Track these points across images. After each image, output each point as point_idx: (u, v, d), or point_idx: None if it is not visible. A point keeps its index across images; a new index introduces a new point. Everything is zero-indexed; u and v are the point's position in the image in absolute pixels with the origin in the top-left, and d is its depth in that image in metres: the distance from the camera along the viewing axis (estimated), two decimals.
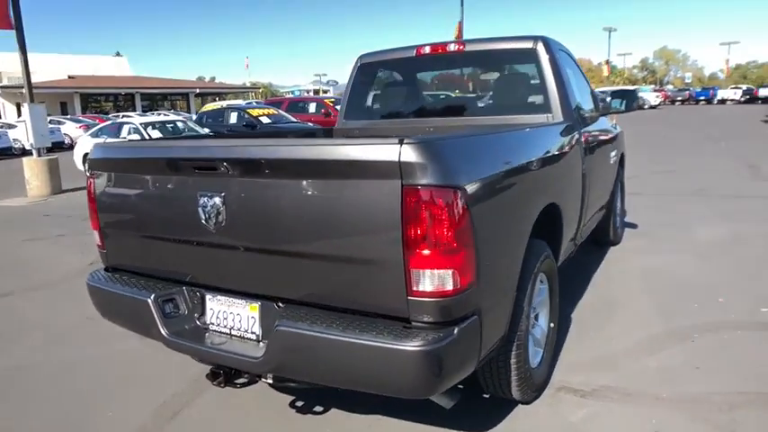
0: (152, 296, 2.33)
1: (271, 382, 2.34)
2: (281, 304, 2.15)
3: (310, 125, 14.45)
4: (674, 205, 7.28)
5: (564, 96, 3.51)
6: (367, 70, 4.27)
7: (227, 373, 2.33)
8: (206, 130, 12.64)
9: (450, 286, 1.79)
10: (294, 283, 2.06)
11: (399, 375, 1.83)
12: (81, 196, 10.88)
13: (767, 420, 2.58)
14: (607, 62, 46.32)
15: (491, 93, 3.99)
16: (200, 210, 2.13)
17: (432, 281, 1.78)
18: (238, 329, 2.27)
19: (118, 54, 61.36)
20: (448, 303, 1.82)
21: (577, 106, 3.65)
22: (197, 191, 2.14)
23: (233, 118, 14.02)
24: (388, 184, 1.76)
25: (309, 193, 1.92)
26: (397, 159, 1.72)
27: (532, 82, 3.65)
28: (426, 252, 1.76)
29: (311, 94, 45.71)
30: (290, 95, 41.83)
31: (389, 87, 4.34)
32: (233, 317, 2.28)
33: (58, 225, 7.99)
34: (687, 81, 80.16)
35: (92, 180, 2.57)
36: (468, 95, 4.37)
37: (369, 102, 4.34)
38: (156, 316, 2.31)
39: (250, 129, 13.51)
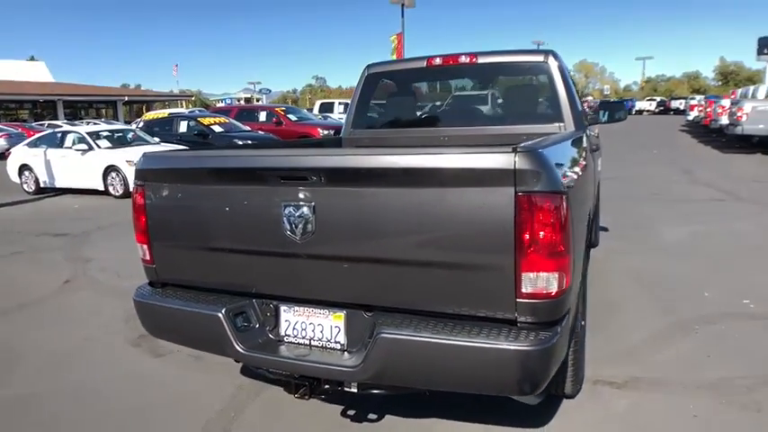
0: (223, 310, 2.27)
1: (355, 390, 2.34)
2: (368, 313, 2.17)
3: (261, 133, 14.25)
4: (633, 209, 7.79)
5: (574, 107, 3.73)
6: (375, 80, 4.32)
7: (310, 384, 2.31)
8: (157, 140, 12.14)
9: (554, 288, 1.89)
10: (389, 291, 2.09)
11: (511, 374, 1.90)
12: (24, 210, 10.21)
13: None
14: None
15: (502, 103, 4.16)
16: (284, 220, 2.12)
17: (540, 283, 1.88)
18: (319, 340, 2.26)
19: (32, 58, 57.53)
20: (553, 304, 1.92)
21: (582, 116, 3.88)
22: (281, 201, 2.12)
23: (182, 127, 13.55)
24: (501, 191, 1.83)
25: (412, 200, 1.96)
26: (511, 167, 1.81)
27: (544, 93, 3.85)
28: (536, 256, 1.85)
29: (242, 102, 44.77)
30: (222, 104, 40.80)
31: (398, 97, 4.42)
32: (313, 327, 2.27)
33: (9, 242, 7.43)
34: (606, 93, 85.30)
35: (141, 191, 2.46)
36: (480, 106, 4.52)
37: (377, 111, 4.40)
38: (228, 330, 2.26)
39: (202, 138, 13.14)
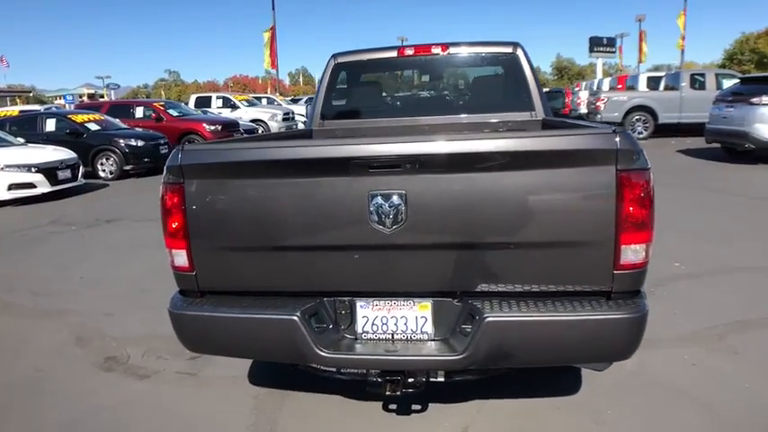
0: (298, 312, 2.11)
1: (442, 379, 2.30)
2: (456, 300, 2.16)
3: (150, 131, 13.08)
4: None
5: (542, 96, 3.98)
6: (343, 70, 4.22)
7: (401, 379, 2.22)
8: (21, 140, 10.57)
9: (642, 258, 2.04)
10: (481, 275, 2.09)
11: (617, 341, 2.03)
12: None
13: (751, 339, 3.36)
14: None
15: (473, 92, 4.28)
16: (370, 210, 2.02)
17: (634, 255, 2.01)
18: (403, 332, 2.20)
19: None
20: (641, 273, 2.06)
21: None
22: (368, 191, 2.02)
23: (50, 125, 11.91)
24: (604, 170, 1.93)
25: (510, 183, 1.98)
26: (615, 147, 1.91)
27: (514, 82, 4.04)
28: (633, 229, 1.98)
29: (85, 99, 40.46)
30: (62, 101, 36.44)
31: (368, 87, 4.35)
32: (396, 320, 2.20)
33: None
34: None
35: (177, 190, 2.17)
36: (451, 95, 4.60)
37: (347, 101, 4.30)
38: (306, 334, 2.10)
39: (74, 137, 11.71)
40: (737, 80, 15.47)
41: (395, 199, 2.01)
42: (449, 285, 2.14)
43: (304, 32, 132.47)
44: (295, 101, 31.31)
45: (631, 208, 1.95)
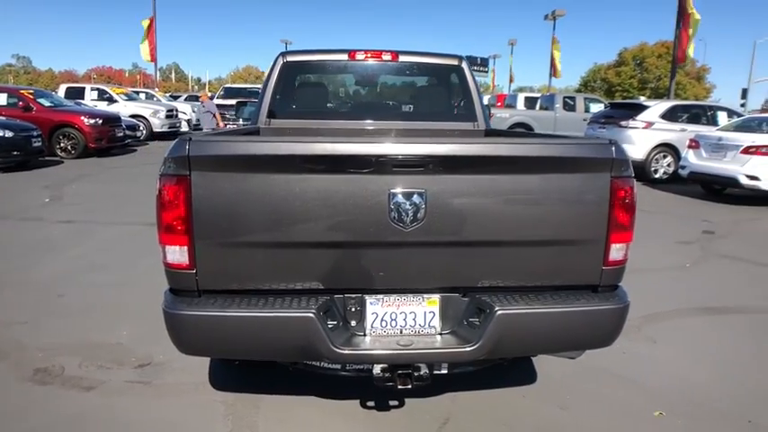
0: (314, 310, 2.10)
1: (445, 372, 2.39)
2: (462, 295, 2.28)
3: (18, 121, 11.58)
4: None
5: (483, 107, 4.27)
6: (292, 69, 4.16)
7: (410, 373, 2.26)
8: None
9: (623, 256, 2.31)
10: (488, 272, 2.23)
11: (606, 329, 2.28)
12: None
13: (663, 329, 3.89)
14: None
15: (420, 100, 4.44)
16: (391, 208, 2.07)
17: (619, 252, 2.28)
18: (412, 327, 2.26)
19: None
20: (622, 270, 2.34)
21: None
22: (388, 189, 2.07)
23: None
24: (600, 177, 2.18)
25: (521, 185, 2.15)
26: (611, 156, 2.16)
27: (459, 93, 4.29)
28: (620, 230, 2.25)
29: None
30: None
31: (317, 87, 4.32)
32: (404, 316, 2.26)
33: None
34: None
35: (182, 182, 2.05)
36: (397, 101, 4.70)
37: (294, 101, 4.24)
38: (323, 331, 2.09)
39: None
40: (602, 104, 17.49)
41: (415, 198, 2.08)
42: (457, 281, 2.26)
43: (177, 27, 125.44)
44: (175, 97, 29.60)
45: (620, 211, 2.22)
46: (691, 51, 17.80)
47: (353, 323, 2.26)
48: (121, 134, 14.42)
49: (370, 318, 2.25)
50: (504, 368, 3.16)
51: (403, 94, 4.79)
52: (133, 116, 17.63)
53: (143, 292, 4.36)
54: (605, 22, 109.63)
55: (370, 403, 2.86)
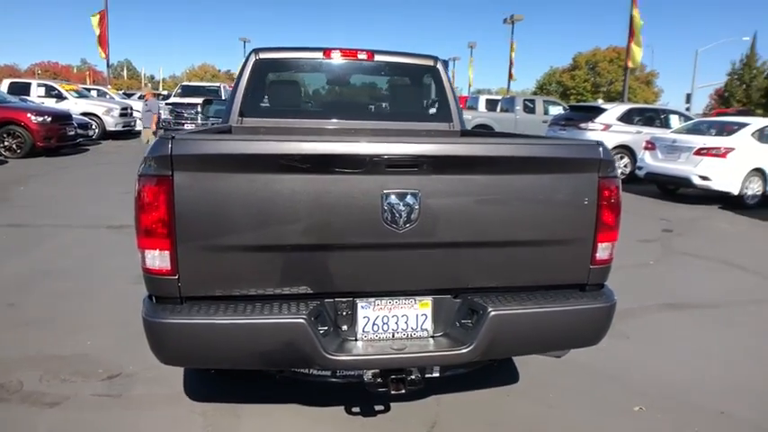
0: (305, 315, 2.02)
1: (437, 375, 2.34)
2: (454, 296, 2.25)
3: None
4: None
5: (458, 108, 4.27)
6: (265, 67, 4.05)
7: (404, 377, 2.21)
8: None
9: (609, 255, 2.33)
10: (479, 272, 2.20)
11: (595, 327, 2.29)
12: None
13: (636, 325, 3.97)
14: None
15: (395, 100, 4.39)
16: (384, 209, 2.02)
17: (605, 252, 2.29)
18: (404, 330, 2.21)
19: None
20: (608, 269, 2.36)
21: None
22: (382, 190, 2.02)
23: None
24: (588, 177, 2.19)
25: (512, 185, 2.14)
26: (599, 157, 2.17)
27: (434, 94, 4.27)
28: (607, 229, 2.27)
29: None
30: None
31: (291, 86, 4.21)
32: (396, 319, 2.21)
33: None
34: None
35: (165, 183, 1.92)
36: (373, 101, 4.62)
37: (267, 99, 4.13)
38: (315, 337, 2.02)
39: None
40: (560, 107, 17.93)
41: (409, 198, 2.03)
42: (448, 282, 2.22)
43: (129, 23, 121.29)
44: (128, 95, 28.60)
45: (607, 210, 2.23)
46: (638, 57, 18.53)
47: (345, 328, 2.19)
48: (73, 133, 13.79)
49: (361, 322, 2.19)
50: (487, 368, 3.15)
51: (378, 93, 4.74)
52: (85, 114, 16.89)
53: (107, 300, 4.17)
54: (561, 27, 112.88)
55: (356, 409, 2.79)
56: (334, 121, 4.13)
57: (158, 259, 2.01)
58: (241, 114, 3.97)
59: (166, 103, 18.86)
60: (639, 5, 18.09)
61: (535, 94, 51.16)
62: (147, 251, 2.02)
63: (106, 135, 17.39)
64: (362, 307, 2.19)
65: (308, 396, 2.86)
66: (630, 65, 18.69)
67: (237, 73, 4.14)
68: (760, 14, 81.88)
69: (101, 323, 3.71)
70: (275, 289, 2.10)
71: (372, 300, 2.19)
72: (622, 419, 2.81)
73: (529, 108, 18.06)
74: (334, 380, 2.37)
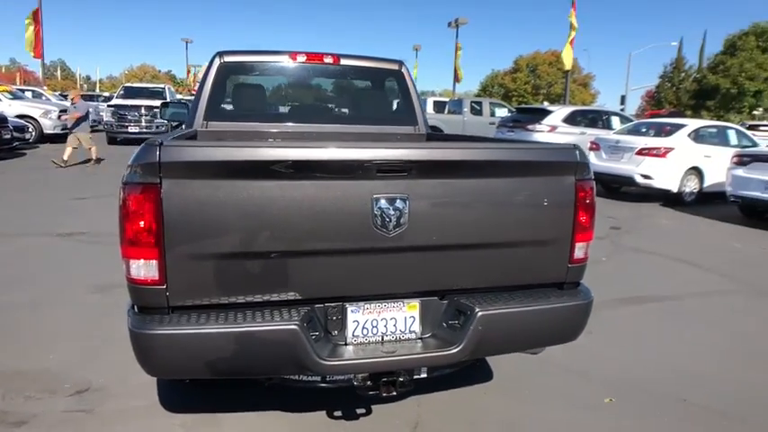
0: (297, 321, 2.02)
1: (425, 375, 2.37)
2: (441, 298, 2.30)
3: None
4: None
5: (423, 111, 4.35)
6: (229, 70, 3.98)
7: (395, 380, 2.23)
8: None
9: (585, 254, 2.44)
10: (464, 274, 2.26)
11: (575, 323, 2.39)
12: None
13: (597, 320, 4.14)
14: (189, 71, 47.74)
15: (361, 104, 4.40)
16: (374, 214, 2.05)
17: (582, 251, 2.40)
18: (392, 333, 2.24)
19: None
20: (584, 267, 2.47)
21: None
22: (372, 194, 2.05)
23: None
24: (566, 179, 2.29)
25: (496, 188, 2.21)
26: (575, 160, 2.28)
27: (399, 97, 4.32)
28: (584, 229, 2.38)
29: None
30: None
31: (257, 90, 4.15)
32: (385, 322, 2.24)
33: None
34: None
35: (152, 190, 1.87)
36: (339, 105, 4.61)
37: (233, 103, 4.06)
38: (307, 343, 2.02)
39: None
40: (506, 109, 18.42)
41: (398, 203, 2.07)
42: (435, 284, 2.27)
43: (62, 20, 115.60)
44: (65, 96, 27.20)
45: (583, 211, 2.35)
46: (569, 59, 19.38)
47: (335, 333, 2.20)
48: (8, 136, 13.03)
49: (351, 326, 2.21)
50: (463, 369, 3.23)
51: (344, 97, 4.75)
52: (20, 116, 15.98)
53: (65, 311, 3.99)
54: (503, 30, 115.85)
55: (338, 413, 2.80)
56: (300, 125, 4.12)
57: (145, 269, 1.95)
58: (206, 119, 3.89)
59: (108, 106, 18.13)
60: (577, 9, 18.96)
61: (478, 95, 52.39)
62: (132, 261, 1.96)
63: (44, 138, 16.51)
64: (352, 311, 2.20)
65: (290, 402, 2.85)
66: (570, 68, 19.50)
67: (201, 77, 4.05)
68: (687, 20, 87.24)
69: (61, 336, 3.55)
70: (265, 296, 2.08)
71: (362, 304, 2.21)
72: (595, 412, 2.95)
73: (476, 110, 18.49)
74: (323, 385, 2.37)
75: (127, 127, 17.15)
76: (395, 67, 4.27)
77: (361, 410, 2.82)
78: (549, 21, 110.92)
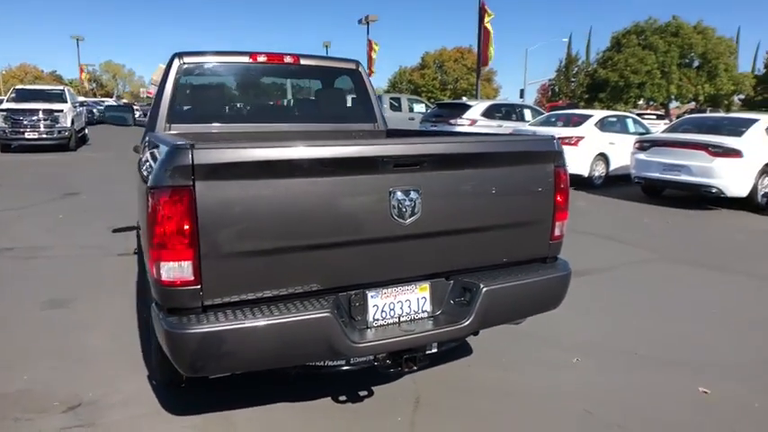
0: (329, 309, 2.16)
1: (435, 350, 2.57)
2: (447, 279, 2.52)
3: None
4: None
5: (380, 109, 4.56)
6: (189, 72, 3.95)
7: (415, 356, 2.42)
8: None
9: (562, 231, 2.78)
10: (467, 255, 2.50)
11: (559, 293, 2.71)
12: None
13: None
14: (82, 70, 44.37)
15: (321, 103, 4.50)
16: (392, 205, 2.23)
17: (560, 229, 2.73)
18: (407, 314, 2.44)
19: None
20: (561, 243, 2.80)
21: None
22: (389, 187, 2.23)
23: None
24: (548, 167, 2.60)
25: (492, 177, 2.47)
26: (555, 150, 2.60)
27: (357, 96, 4.49)
28: (562, 210, 2.70)
29: None
30: None
31: (217, 91, 4.13)
32: (401, 305, 2.42)
33: None
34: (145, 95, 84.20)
35: (185, 193, 1.94)
36: (299, 104, 4.65)
37: (193, 105, 4.03)
38: (341, 328, 2.18)
39: None
40: (423, 104, 18.97)
41: (412, 194, 2.27)
42: (443, 266, 2.50)
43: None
44: None
45: (561, 194, 2.67)
46: (491, 52, 20.38)
47: (358, 318, 2.36)
48: None
49: (371, 310, 2.37)
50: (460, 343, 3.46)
51: (304, 97, 4.83)
52: None
53: (24, 328, 3.78)
54: (410, 27, 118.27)
55: (342, 397, 2.94)
56: (263, 125, 4.17)
57: (178, 270, 2.01)
58: (169, 121, 3.84)
59: None
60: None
61: (388, 92, 53.25)
62: (164, 263, 2.00)
63: None
64: (372, 296, 2.37)
65: (294, 392, 2.95)
66: (485, 63, 20.46)
67: (161, 79, 3.98)
68: (576, 17, 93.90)
69: (31, 355, 3.38)
70: (293, 288, 2.20)
71: (380, 289, 2.38)
72: (568, 370, 3.32)
73: (395, 106, 18.91)
74: (346, 368, 2.51)
75: (23, 133, 15.78)
76: (352, 66, 4.43)
77: (363, 392, 2.98)
78: (456, 16, 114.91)
